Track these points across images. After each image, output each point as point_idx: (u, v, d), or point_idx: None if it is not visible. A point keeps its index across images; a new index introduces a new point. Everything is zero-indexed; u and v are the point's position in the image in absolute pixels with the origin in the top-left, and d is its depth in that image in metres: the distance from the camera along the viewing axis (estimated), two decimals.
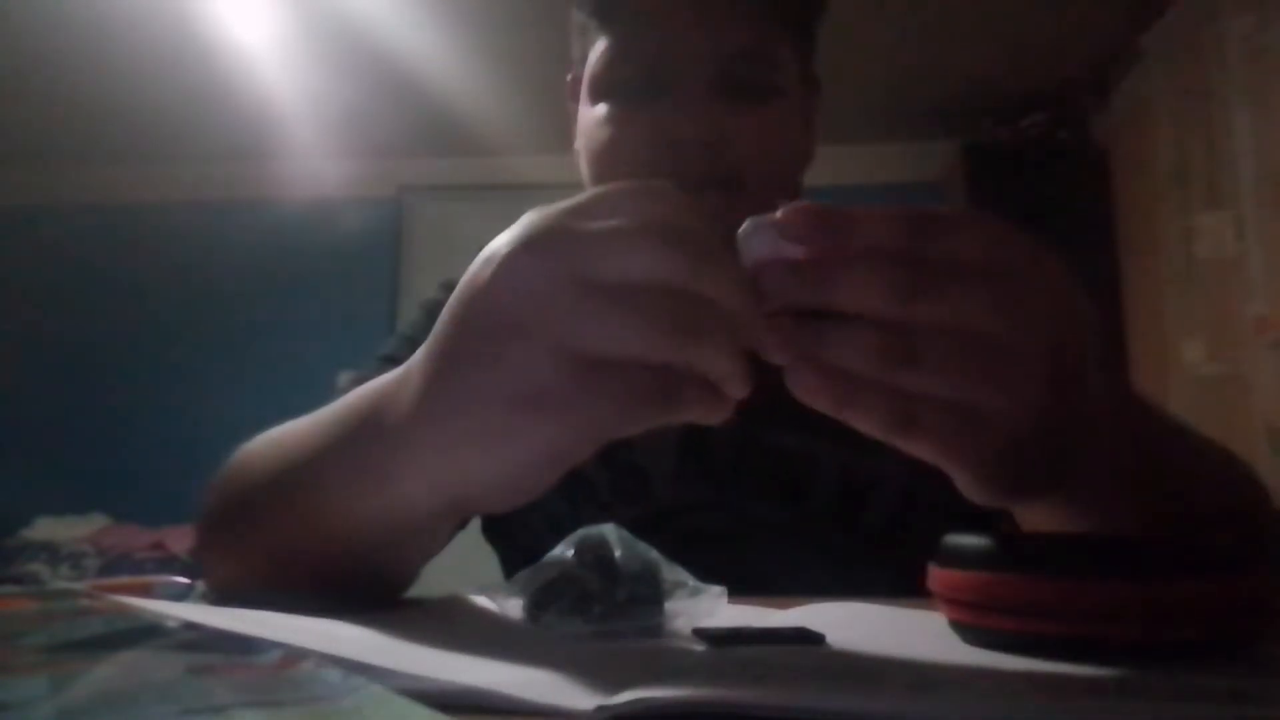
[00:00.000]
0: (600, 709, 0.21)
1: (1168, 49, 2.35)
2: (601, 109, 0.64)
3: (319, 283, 3.36)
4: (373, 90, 2.83)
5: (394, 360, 0.68)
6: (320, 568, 0.41)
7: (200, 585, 0.53)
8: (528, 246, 0.31)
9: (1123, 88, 2.66)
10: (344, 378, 0.70)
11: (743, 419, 0.64)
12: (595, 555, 0.35)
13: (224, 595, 0.46)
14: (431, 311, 0.72)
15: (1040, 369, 0.30)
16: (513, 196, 3.42)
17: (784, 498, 0.64)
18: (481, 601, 0.41)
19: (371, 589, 0.43)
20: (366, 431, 0.38)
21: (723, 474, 0.65)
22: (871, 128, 2.96)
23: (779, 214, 0.30)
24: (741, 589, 0.39)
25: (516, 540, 0.69)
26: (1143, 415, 0.42)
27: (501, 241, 0.32)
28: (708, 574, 0.37)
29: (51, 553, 2.81)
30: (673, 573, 0.36)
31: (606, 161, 0.63)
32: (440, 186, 3.41)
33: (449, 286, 0.73)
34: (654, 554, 0.36)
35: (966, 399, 0.30)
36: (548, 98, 2.75)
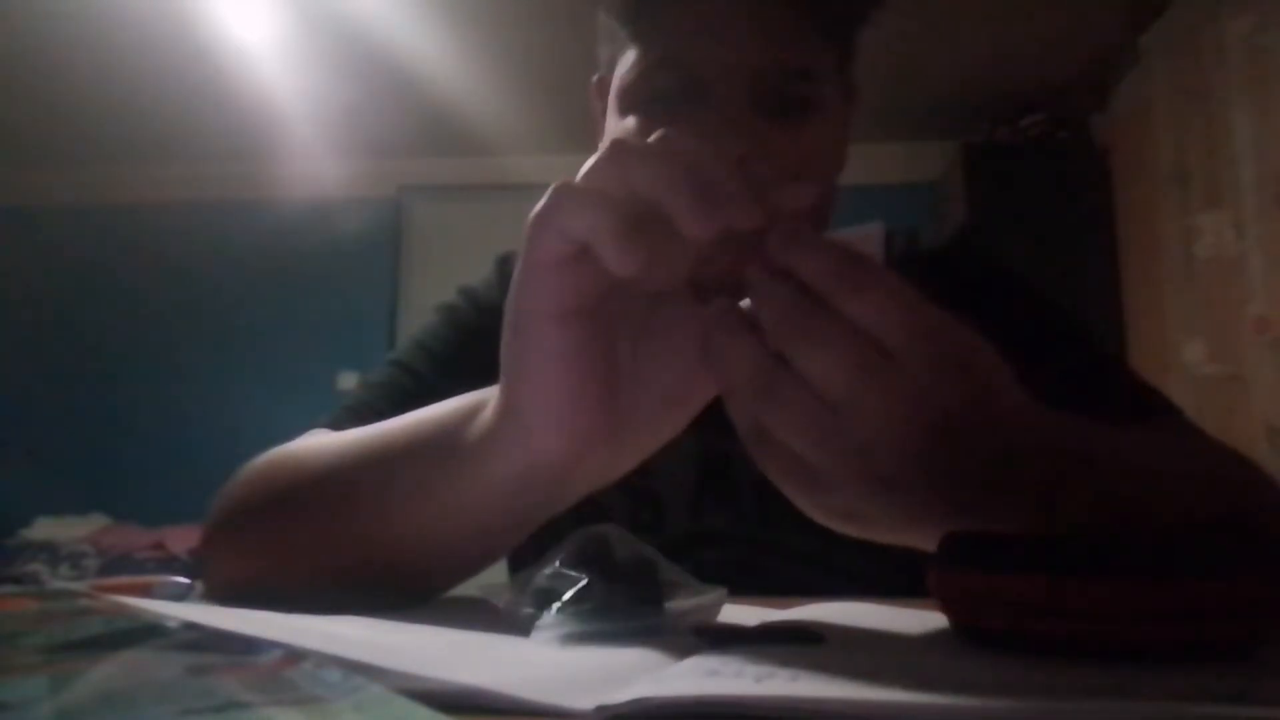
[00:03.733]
0: (600, 709, 0.21)
1: (1168, 49, 2.35)
2: (631, 120, 0.61)
3: (319, 283, 3.37)
4: (373, 90, 2.83)
5: (405, 366, 0.67)
6: (367, 569, 0.42)
7: (200, 585, 0.53)
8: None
9: (1123, 88, 2.66)
10: (348, 379, 0.70)
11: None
12: (595, 555, 0.35)
13: (224, 594, 0.46)
14: (448, 316, 0.71)
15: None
16: (513, 196, 3.41)
17: (809, 522, 0.62)
18: (481, 601, 0.41)
19: (408, 592, 0.43)
20: (462, 430, 0.41)
21: (744, 502, 0.63)
22: (871, 128, 2.96)
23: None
24: None
25: (526, 555, 0.69)
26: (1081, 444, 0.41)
27: None
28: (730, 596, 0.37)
29: (51, 553, 2.81)
30: (672, 572, 0.36)
31: None
32: (440, 186, 3.41)
33: (465, 293, 0.73)
34: (654, 554, 0.36)
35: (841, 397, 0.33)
36: (548, 97, 2.76)
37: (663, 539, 0.61)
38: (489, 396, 0.40)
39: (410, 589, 0.43)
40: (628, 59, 0.62)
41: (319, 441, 0.49)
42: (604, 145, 0.35)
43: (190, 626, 0.20)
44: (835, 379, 0.32)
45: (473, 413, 0.41)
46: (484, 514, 0.40)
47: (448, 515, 0.40)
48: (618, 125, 0.63)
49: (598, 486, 0.40)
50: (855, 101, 0.69)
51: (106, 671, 0.16)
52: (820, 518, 0.37)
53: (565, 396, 0.36)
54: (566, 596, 0.33)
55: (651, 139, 0.34)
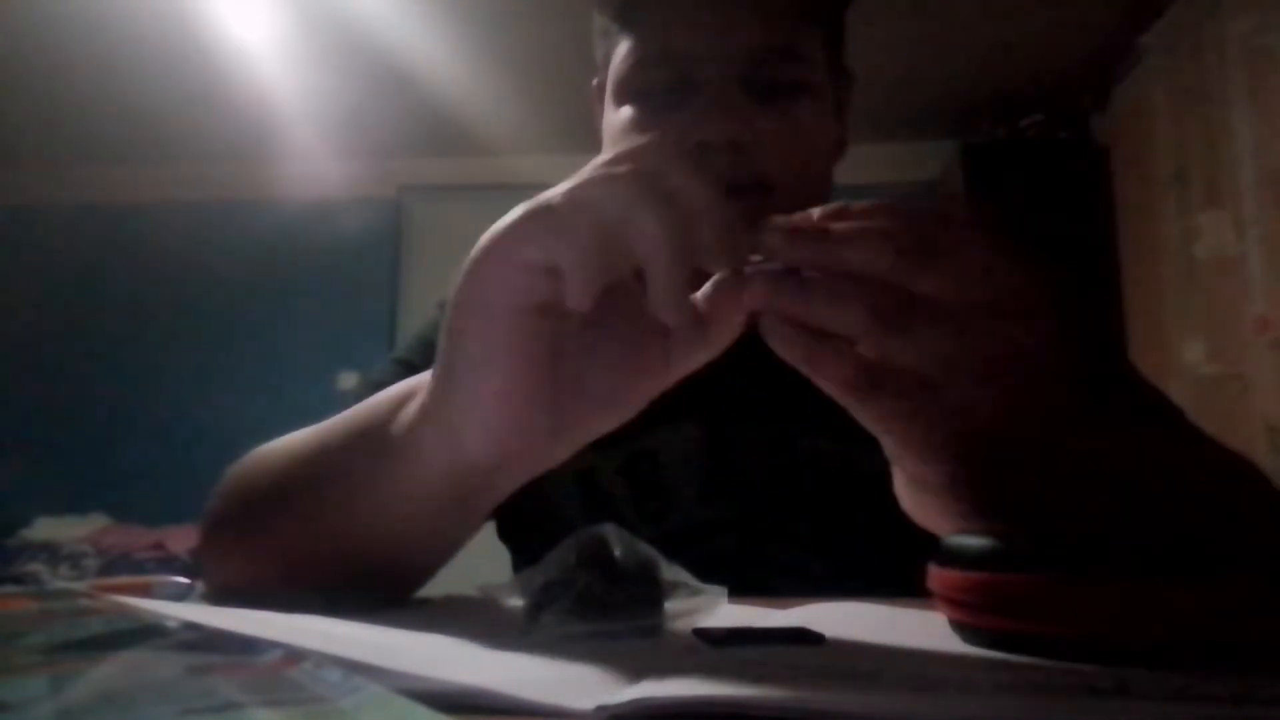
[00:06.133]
0: (600, 709, 0.21)
1: (1168, 49, 2.35)
2: (627, 112, 0.62)
3: (319, 283, 3.36)
4: (373, 90, 2.83)
5: (407, 363, 0.67)
6: (341, 562, 0.42)
7: (200, 585, 0.53)
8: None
9: (1123, 88, 2.66)
10: (348, 379, 0.70)
11: (772, 428, 0.63)
12: (595, 555, 0.35)
13: (223, 596, 0.46)
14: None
15: (1016, 369, 0.32)
16: (513, 196, 3.36)
17: (820, 509, 0.62)
18: (481, 601, 0.41)
19: (387, 584, 0.43)
20: (391, 422, 0.41)
21: (750, 491, 0.63)
22: (871, 128, 2.96)
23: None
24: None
25: (532, 546, 0.69)
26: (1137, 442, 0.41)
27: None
28: (731, 595, 0.37)
29: (51, 553, 2.81)
30: (672, 573, 0.35)
31: None
32: (440, 186, 3.41)
33: None
34: (654, 554, 0.36)
35: (935, 374, 0.32)
36: (547, 97, 2.76)
37: (669, 528, 0.62)
38: (420, 385, 0.40)
39: (385, 582, 0.43)
40: (621, 51, 0.63)
41: (292, 437, 0.49)
42: (602, 163, 0.34)
43: (190, 626, 0.20)
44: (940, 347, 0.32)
45: (402, 403, 0.41)
46: (425, 503, 0.40)
47: (392, 506, 0.41)
48: (614, 117, 0.64)
49: (535, 475, 0.40)
50: (849, 87, 0.70)
51: (106, 671, 0.16)
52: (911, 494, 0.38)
53: (496, 403, 0.36)
54: (567, 597, 0.33)
55: (640, 155, 0.34)
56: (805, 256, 0.32)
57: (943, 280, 0.31)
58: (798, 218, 0.33)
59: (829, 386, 0.33)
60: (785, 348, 0.33)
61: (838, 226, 0.32)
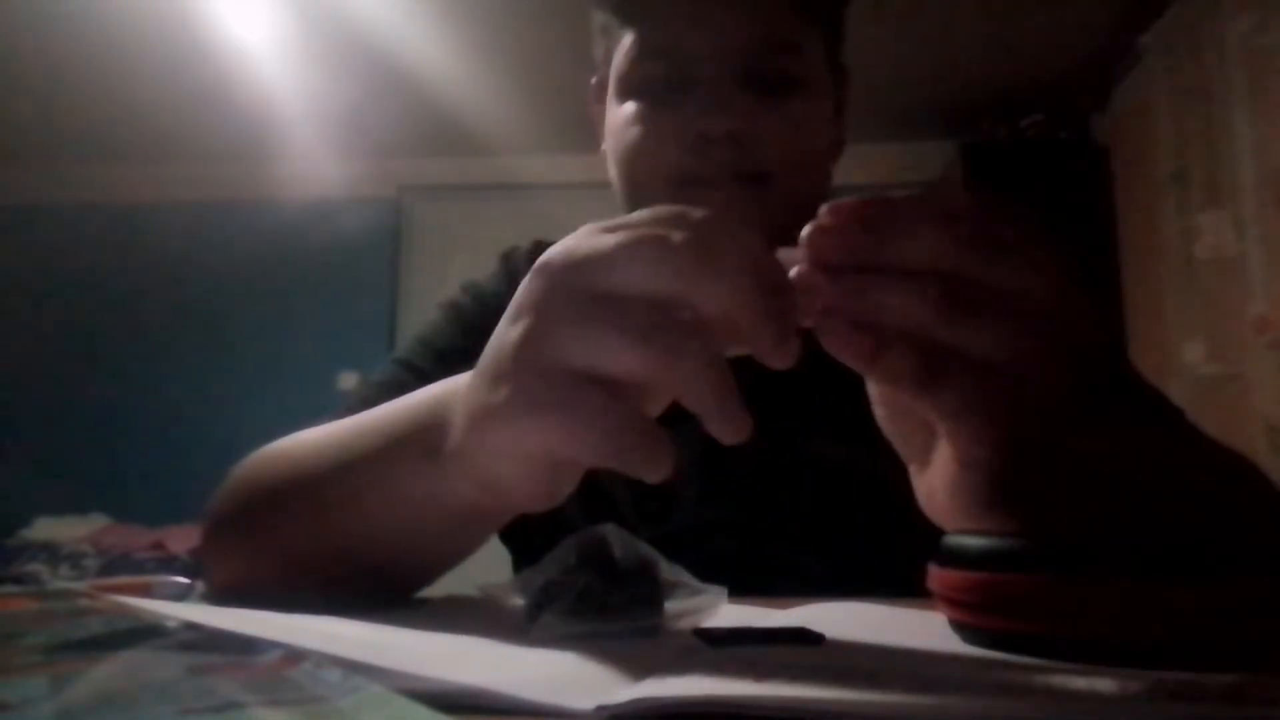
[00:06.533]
0: (600, 709, 0.21)
1: (1168, 49, 2.35)
2: (629, 107, 0.63)
3: (319, 283, 3.37)
4: (373, 90, 2.83)
5: (408, 364, 0.67)
6: (343, 562, 0.42)
7: (200, 585, 0.53)
8: (542, 267, 0.33)
9: (1123, 88, 2.66)
10: (348, 379, 0.70)
11: (773, 429, 0.63)
12: (595, 555, 0.35)
13: (224, 596, 0.46)
14: (452, 312, 0.72)
15: (1073, 355, 0.32)
16: (512, 196, 3.43)
17: (820, 510, 0.62)
18: (481, 601, 0.42)
19: (390, 585, 0.44)
20: (425, 435, 0.39)
21: (750, 492, 0.63)
22: (871, 128, 2.96)
23: (805, 233, 0.31)
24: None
25: (532, 546, 0.69)
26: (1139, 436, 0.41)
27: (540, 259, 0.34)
28: (731, 595, 0.37)
29: (51, 553, 2.81)
30: (672, 573, 0.35)
31: (634, 160, 0.62)
32: (440, 186, 3.41)
33: (469, 289, 0.73)
34: (654, 554, 0.36)
35: (1000, 360, 0.31)
36: (547, 97, 2.76)
37: (669, 529, 0.62)
38: (455, 397, 0.38)
39: (388, 582, 0.43)
40: (622, 47, 0.63)
41: (301, 438, 0.49)
42: (649, 229, 0.32)
43: (190, 626, 0.20)
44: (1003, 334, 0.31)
45: (439, 417, 0.39)
46: (431, 507, 0.40)
47: (415, 515, 0.40)
48: (615, 112, 0.64)
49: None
50: (847, 85, 0.70)
51: (106, 671, 0.16)
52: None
53: (538, 452, 0.34)
54: (567, 597, 0.33)
55: (684, 236, 0.31)
56: (865, 254, 0.31)
57: (1012, 270, 0.31)
58: (841, 214, 0.31)
59: (894, 382, 0.32)
60: (846, 349, 0.31)
61: (891, 222, 0.31)
